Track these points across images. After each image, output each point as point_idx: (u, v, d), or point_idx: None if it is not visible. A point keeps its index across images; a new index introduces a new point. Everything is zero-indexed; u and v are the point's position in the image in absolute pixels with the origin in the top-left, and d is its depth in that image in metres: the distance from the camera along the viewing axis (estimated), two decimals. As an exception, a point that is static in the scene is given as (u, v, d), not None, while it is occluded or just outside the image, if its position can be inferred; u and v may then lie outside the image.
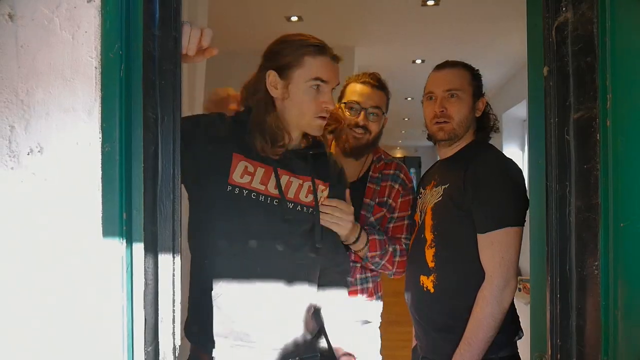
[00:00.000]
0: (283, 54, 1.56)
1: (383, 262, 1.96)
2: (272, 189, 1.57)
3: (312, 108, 1.57)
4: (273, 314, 1.56)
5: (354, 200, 1.85)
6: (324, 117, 1.60)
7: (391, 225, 2.06)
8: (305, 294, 1.61)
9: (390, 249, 1.97)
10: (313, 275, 1.65)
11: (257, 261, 1.55)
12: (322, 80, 1.56)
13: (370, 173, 2.10)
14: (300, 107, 1.57)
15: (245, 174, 1.56)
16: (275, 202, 1.58)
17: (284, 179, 1.59)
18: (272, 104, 1.58)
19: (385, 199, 2.07)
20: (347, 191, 1.81)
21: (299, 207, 1.62)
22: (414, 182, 2.19)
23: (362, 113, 2.03)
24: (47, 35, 1.04)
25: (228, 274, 1.54)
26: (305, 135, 1.67)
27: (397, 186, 2.09)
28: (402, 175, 2.11)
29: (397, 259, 1.99)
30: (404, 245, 2.03)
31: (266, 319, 1.56)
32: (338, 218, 1.73)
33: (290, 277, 1.57)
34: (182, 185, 1.63)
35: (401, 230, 2.06)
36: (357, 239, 1.88)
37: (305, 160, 1.66)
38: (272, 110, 1.57)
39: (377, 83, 2.07)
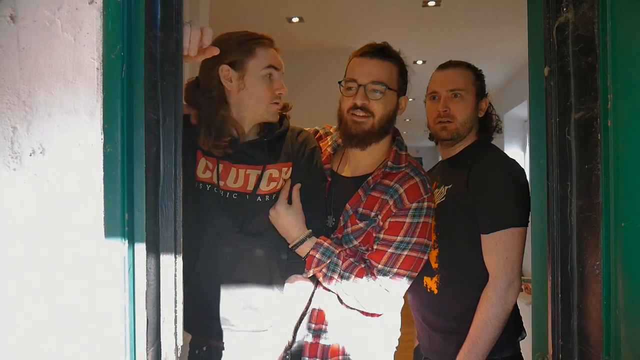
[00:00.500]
0: (234, 48, 1.60)
1: (329, 285, 1.66)
2: (231, 183, 1.64)
3: (268, 95, 1.61)
4: (247, 299, 1.64)
5: (343, 201, 1.70)
6: (277, 103, 1.64)
7: (374, 247, 1.66)
8: (276, 275, 1.66)
9: (335, 276, 1.62)
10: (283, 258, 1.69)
11: (229, 251, 1.63)
12: (275, 68, 1.61)
13: (369, 178, 1.72)
14: (258, 96, 1.61)
15: (206, 170, 1.65)
16: (235, 196, 1.64)
17: (241, 172, 1.64)
18: (225, 98, 1.62)
19: (371, 212, 1.67)
20: (296, 187, 1.66)
21: (259, 198, 1.65)
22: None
23: (360, 91, 1.66)
24: (48, 37, 1.04)
25: (205, 264, 1.64)
26: (259, 123, 1.70)
27: (390, 202, 1.65)
28: (401, 190, 1.65)
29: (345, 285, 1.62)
30: (367, 279, 1.61)
31: (239, 302, 1.64)
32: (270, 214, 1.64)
33: (260, 262, 1.65)
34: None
35: (378, 258, 1.63)
36: (295, 245, 1.63)
37: (260, 149, 1.66)
38: (224, 104, 1.62)
39: (378, 53, 1.69)
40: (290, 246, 1.65)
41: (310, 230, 1.65)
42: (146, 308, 1.08)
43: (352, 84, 1.68)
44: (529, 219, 1.64)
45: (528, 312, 1.38)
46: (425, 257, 1.68)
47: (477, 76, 1.93)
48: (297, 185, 1.67)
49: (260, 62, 1.60)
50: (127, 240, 1.05)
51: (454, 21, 4.25)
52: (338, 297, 1.68)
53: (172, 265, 1.14)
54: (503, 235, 1.69)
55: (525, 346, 1.67)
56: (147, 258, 1.08)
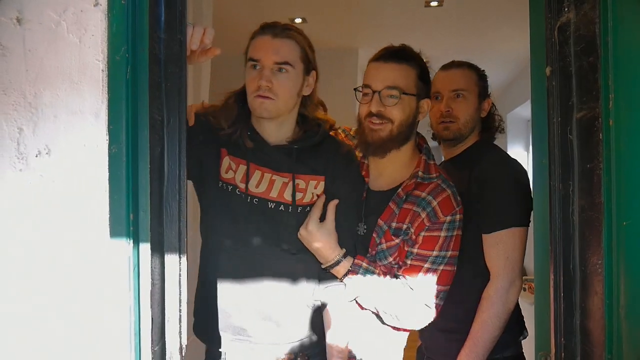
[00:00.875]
0: None
1: (368, 305, 1.65)
2: (253, 188, 1.57)
3: (250, 87, 1.54)
4: (266, 310, 1.58)
5: (375, 218, 1.64)
6: (261, 96, 1.51)
7: (408, 262, 1.61)
8: (298, 287, 1.60)
9: (377, 296, 1.61)
10: (310, 271, 1.62)
11: (247, 258, 1.57)
12: (253, 60, 1.53)
13: (399, 190, 1.65)
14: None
15: (229, 170, 1.59)
16: (256, 201, 1.57)
17: (266, 177, 1.57)
18: (243, 92, 1.60)
19: (403, 226, 1.61)
20: (333, 203, 1.59)
21: (281, 207, 1.57)
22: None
23: (375, 97, 1.60)
24: (54, 39, 1.05)
25: (222, 270, 1.58)
26: (298, 127, 1.64)
27: (422, 215, 1.60)
28: (434, 203, 1.60)
29: None
30: (407, 296, 1.59)
31: (259, 313, 1.58)
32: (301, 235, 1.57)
33: (281, 274, 1.58)
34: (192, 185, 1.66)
35: (415, 274, 1.60)
36: (331, 266, 1.59)
37: (288, 156, 1.59)
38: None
39: (394, 56, 1.63)
40: (324, 267, 1.60)
41: (345, 250, 1.60)
42: (151, 307, 1.08)
43: (367, 90, 1.63)
44: (530, 219, 1.64)
45: (531, 312, 1.38)
46: (456, 269, 1.64)
47: (480, 76, 1.93)
48: (334, 202, 1.59)
49: (248, 56, 1.56)
50: (132, 240, 1.06)
51: (457, 21, 4.25)
52: (377, 315, 1.65)
53: (176, 265, 1.15)
54: (504, 234, 1.69)
55: (528, 346, 1.67)
56: (151, 258, 1.09)
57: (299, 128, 1.64)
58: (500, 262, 1.69)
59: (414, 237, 1.60)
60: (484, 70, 1.96)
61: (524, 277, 1.78)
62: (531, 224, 1.56)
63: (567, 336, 1.14)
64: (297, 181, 1.58)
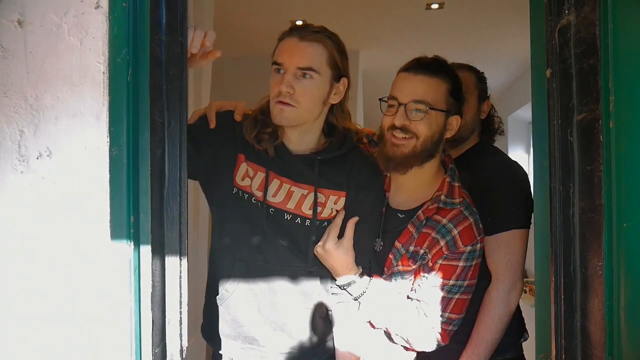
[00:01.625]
0: None
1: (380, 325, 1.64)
2: (270, 197, 1.52)
3: (272, 92, 1.47)
4: (280, 322, 1.55)
5: (392, 236, 1.61)
6: (281, 102, 1.44)
7: (423, 287, 1.58)
8: (312, 298, 1.58)
9: (391, 317, 1.60)
10: (325, 284, 1.60)
11: (262, 269, 1.53)
12: (277, 63, 1.45)
13: (419, 212, 1.59)
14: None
15: (246, 177, 1.53)
16: (272, 211, 1.52)
17: (285, 187, 1.52)
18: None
19: (420, 250, 1.57)
20: (352, 220, 1.54)
21: (298, 220, 1.53)
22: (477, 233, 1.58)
23: (400, 110, 1.52)
24: (55, 41, 1.05)
25: (234, 277, 1.55)
26: (324, 137, 1.58)
27: (441, 242, 1.55)
28: (455, 232, 1.55)
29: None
30: (419, 321, 1.57)
31: (271, 324, 1.55)
32: (318, 253, 1.54)
33: (296, 286, 1.55)
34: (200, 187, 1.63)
35: (430, 300, 1.58)
36: (346, 284, 1.56)
37: (310, 167, 1.53)
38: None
39: (424, 68, 1.55)
40: (338, 284, 1.57)
41: (361, 269, 1.57)
42: (152, 309, 1.09)
43: (393, 102, 1.54)
44: (532, 221, 1.64)
45: (532, 314, 1.38)
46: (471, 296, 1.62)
47: (479, 78, 1.93)
48: (354, 219, 1.54)
49: (273, 58, 1.48)
50: (132, 242, 1.06)
51: (457, 24, 4.26)
52: (387, 334, 1.64)
53: (177, 267, 1.15)
54: (505, 237, 1.69)
55: (528, 348, 1.67)
56: (152, 260, 1.09)
57: (325, 138, 1.58)
58: (502, 264, 1.69)
59: (430, 263, 1.56)
60: (483, 73, 1.96)
61: (525, 279, 1.78)
62: (532, 226, 1.56)
63: (567, 338, 1.14)
64: (317, 195, 1.53)
